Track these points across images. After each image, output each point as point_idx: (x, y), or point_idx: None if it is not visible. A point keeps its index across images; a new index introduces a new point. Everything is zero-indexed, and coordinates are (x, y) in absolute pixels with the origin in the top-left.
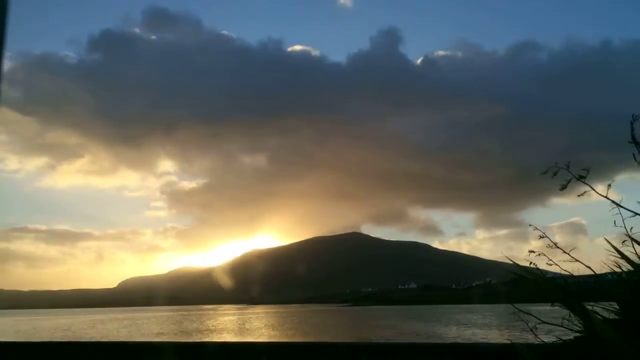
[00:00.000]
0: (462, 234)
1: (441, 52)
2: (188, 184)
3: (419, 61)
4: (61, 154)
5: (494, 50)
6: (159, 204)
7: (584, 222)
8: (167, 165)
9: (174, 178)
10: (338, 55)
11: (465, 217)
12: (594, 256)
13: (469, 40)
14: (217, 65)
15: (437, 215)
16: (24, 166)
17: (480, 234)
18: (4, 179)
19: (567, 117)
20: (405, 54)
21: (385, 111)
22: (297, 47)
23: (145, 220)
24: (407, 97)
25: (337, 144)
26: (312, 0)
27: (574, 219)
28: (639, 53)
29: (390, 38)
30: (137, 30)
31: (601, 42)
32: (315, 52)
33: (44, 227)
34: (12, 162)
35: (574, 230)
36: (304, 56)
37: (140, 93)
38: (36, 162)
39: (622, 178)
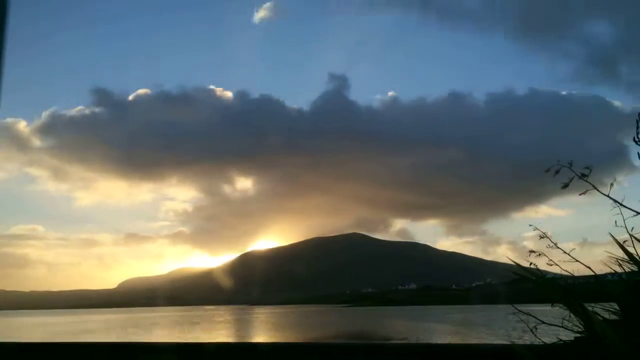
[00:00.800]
0: (433, 243)
1: (388, 101)
2: (192, 204)
3: (365, 109)
4: (83, 184)
5: (435, 100)
6: (166, 216)
7: (549, 233)
8: (175, 191)
9: (180, 200)
10: (305, 103)
11: (436, 227)
12: (591, 257)
13: (411, 91)
14: (212, 115)
15: (411, 226)
16: (48, 194)
17: (454, 239)
18: (37, 200)
19: (502, 153)
20: (357, 103)
21: (351, 150)
22: (272, 97)
23: (151, 229)
24: (364, 139)
25: (318, 174)
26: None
27: (542, 231)
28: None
29: (339, 87)
30: (141, 94)
31: (529, 90)
32: (282, 100)
33: (60, 235)
34: (39, 192)
35: (543, 239)
36: (276, 105)
37: (150, 139)
38: (62, 188)
39: (555, 200)
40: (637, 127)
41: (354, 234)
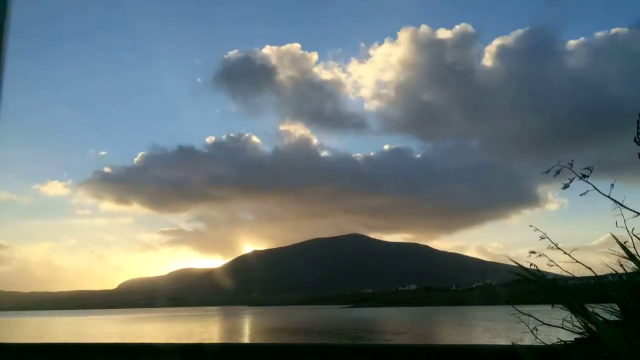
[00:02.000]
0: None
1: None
2: (195, 221)
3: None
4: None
5: (378, 155)
6: (172, 227)
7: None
8: (184, 214)
9: (186, 219)
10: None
11: (402, 236)
12: (594, 258)
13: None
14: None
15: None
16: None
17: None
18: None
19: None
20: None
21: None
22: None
23: (156, 236)
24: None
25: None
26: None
27: (507, 241)
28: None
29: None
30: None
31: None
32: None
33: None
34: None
35: (507, 247)
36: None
37: (168, 184)
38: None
39: (491, 223)
40: (638, 128)
41: (354, 234)
